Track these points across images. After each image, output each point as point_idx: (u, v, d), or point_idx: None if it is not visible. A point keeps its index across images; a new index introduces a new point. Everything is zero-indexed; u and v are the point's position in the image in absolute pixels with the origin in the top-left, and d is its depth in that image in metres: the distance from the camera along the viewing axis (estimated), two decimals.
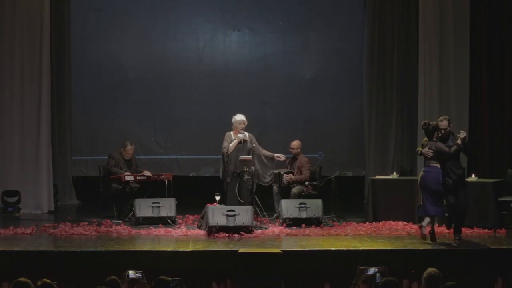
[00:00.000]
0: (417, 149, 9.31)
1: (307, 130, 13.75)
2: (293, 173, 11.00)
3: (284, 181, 10.88)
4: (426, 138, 9.05)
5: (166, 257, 7.97)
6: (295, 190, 10.85)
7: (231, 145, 10.18)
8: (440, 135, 8.95)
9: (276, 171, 11.00)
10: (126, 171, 10.90)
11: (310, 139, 13.51)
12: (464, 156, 12.06)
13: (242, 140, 10.19)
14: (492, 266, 8.09)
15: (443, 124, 9.06)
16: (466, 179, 10.55)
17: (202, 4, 13.82)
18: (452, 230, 9.08)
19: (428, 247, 8.47)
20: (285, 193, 10.88)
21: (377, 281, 5.84)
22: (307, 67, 13.97)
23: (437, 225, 9.89)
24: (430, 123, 9.04)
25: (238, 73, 13.89)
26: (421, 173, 9.04)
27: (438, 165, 8.82)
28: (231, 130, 10.33)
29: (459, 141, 8.94)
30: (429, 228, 8.82)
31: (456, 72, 12.23)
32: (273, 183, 10.93)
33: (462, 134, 8.99)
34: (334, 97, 13.92)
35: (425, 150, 8.89)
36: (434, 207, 8.79)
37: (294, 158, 11.29)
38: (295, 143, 11.32)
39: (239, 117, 10.30)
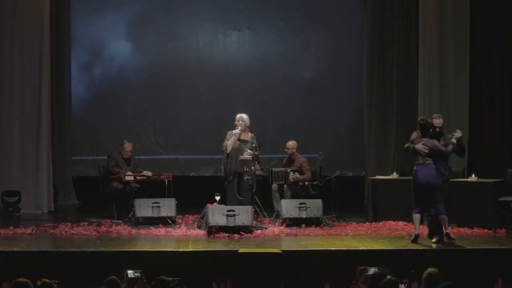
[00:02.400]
0: (407, 145, 8.96)
1: (307, 130, 13.74)
2: (299, 172, 10.99)
3: (291, 179, 10.86)
4: (417, 135, 8.90)
5: (166, 257, 7.97)
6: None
7: (228, 143, 10.18)
8: (432, 131, 8.83)
9: (283, 168, 11.01)
10: (126, 170, 10.91)
11: (310, 139, 13.52)
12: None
13: (239, 138, 10.16)
14: (492, 266, 8.09)
15: (439, 122, 8.98)
16: (466, 179, 10.60)
17: (202, 4, 13.82)
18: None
19: (428, 247, 8.46)
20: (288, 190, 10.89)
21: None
22: (307, 67, 13.97)
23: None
24: (428, 120, 8.94)
25: (238, 73, 13.89)
26: (414, 171, 8.74)
27: (432, 162, 8.64)
28: (234, 129, 10.34)
29: (454, 140, 8.84)
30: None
31: (456, 72, 12.24)
32: (274, 181, 10.94)
33: (458, 134, 8.90)
34: (334, 97, 13.91)
35: (420, 146, 8.65)
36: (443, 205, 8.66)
37: (290, 159, 11.25)
38: (291, 143, 11.28)
39: (238, 114, 10.31)
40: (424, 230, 8.98)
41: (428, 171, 8.63)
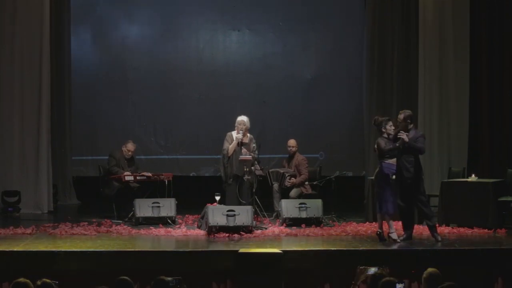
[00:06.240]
0: (388, 148, 8.86)
1: (307, 130, 13.75)
2: (295, 176, 10.96)
3: (287, 183, 10.84)
4: (384, 142, 8.85)
5: (166, 257, 7.96)
6: (293, 193, 10.81)
7: (230, 146, 10.18)
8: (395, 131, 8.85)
9: (281, 170, 11.00)
10: (127, 170, 10.89)
11: (310, 139, 13.53)
12: (464, 155, 12.15)
13: (239, 142, 10.16)
14: (492, 266, 8.09)
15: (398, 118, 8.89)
16: (466, 179, 10.60)
17: (202, 4, 13.83)
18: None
19: (428, 247, 8.47)
20: (286, 192, 10.87)
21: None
22: (307, 67, 13.98)
23: (437, 224, 9.91)
24: (379, 118, 9.01)
25: (238, 73, 13.90)
26: (377, 170, 8.87)
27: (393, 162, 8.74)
28: (233, 130, 10.33)
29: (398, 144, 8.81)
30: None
31: (456, 72, 12.25)
32: (273, 181, 10.93)
33: (403, 135, 8.81)
34: (334, 97, 13.92)
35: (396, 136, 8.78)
36: (394, 204, 8.76)
37: (290, 157, 11.26)
38: (293, 141, 11.27)
39: (239, 118, 10.31)
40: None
41: (390, 170, 8.77)
